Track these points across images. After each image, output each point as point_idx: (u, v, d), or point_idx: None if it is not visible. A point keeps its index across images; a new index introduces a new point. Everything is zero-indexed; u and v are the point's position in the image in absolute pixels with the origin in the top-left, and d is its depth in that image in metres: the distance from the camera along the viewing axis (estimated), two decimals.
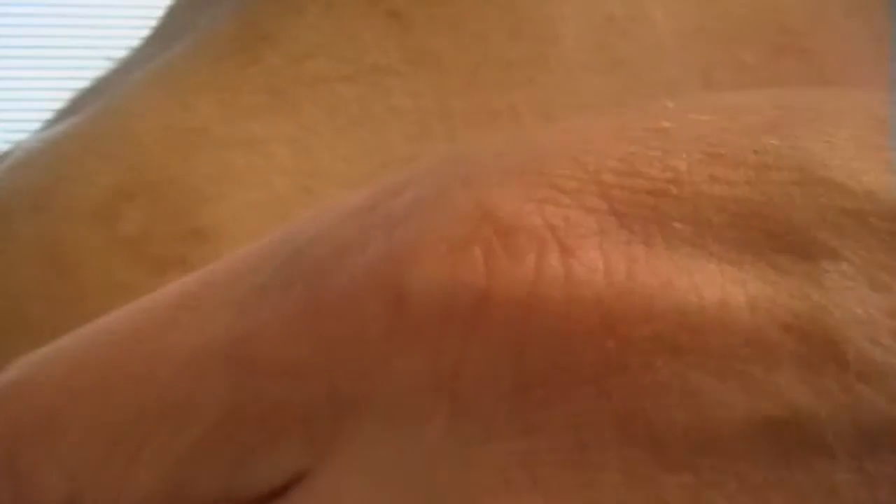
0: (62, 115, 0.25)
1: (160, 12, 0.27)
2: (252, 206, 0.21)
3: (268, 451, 0.15)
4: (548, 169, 0.13)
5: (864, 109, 0.13)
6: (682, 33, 0.23)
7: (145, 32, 0.27)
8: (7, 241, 0.22)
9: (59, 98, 0.27)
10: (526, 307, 0.12)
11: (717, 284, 0.12)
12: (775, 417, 0.11)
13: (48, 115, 0.26)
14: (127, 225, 0.21)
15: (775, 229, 0.12)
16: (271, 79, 0.22)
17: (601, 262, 0.12)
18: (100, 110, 0.23)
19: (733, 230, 0.12)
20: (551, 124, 0.22)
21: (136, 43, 0.27)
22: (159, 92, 0.23)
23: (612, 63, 0.23)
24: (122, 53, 0.26)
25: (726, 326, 0.12)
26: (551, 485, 0.12)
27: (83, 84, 0.27)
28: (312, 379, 0.14)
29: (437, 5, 0.23)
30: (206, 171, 0.21)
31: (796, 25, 0.23)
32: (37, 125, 0.26)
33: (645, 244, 0.12)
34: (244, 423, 0.14)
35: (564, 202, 0.13)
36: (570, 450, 0.12)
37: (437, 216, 0.13)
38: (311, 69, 0.22)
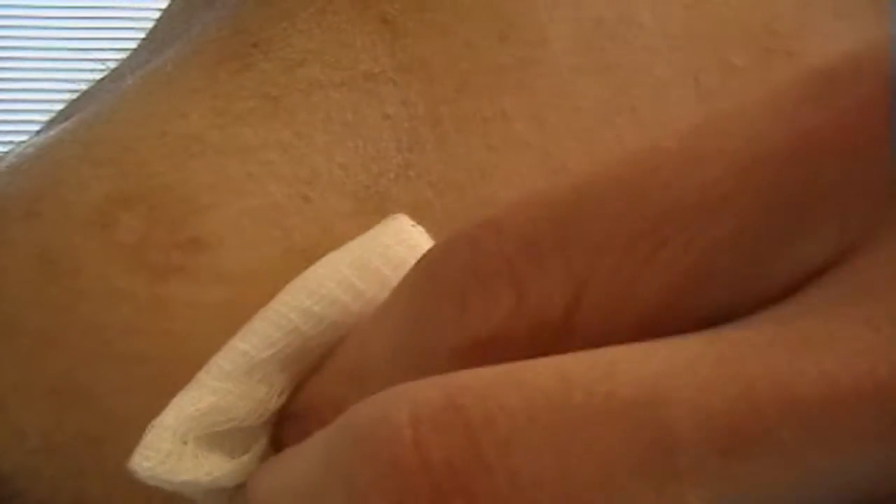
0: (56, 120, 0.25)
1: (154, 18, 0.27)
2: (250, 214, 0.21)
3: (798, 241, 0.14)
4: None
5: None
6: (671, 36, 0.23)
7: (139, 38, 0.27)
8: (1, 246, 0.22)
9: (53, 103, 0.27)
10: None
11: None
12: None
13: (43, 121, 0.26)
14: (125, 232, 0.21)
15: None
16: (264, 85, 0.22)
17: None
18: (93, 116, 0.23)
19: None
20: (543, 128, 0.22)
21: (129, 48, 0.27)
22: (152, 98, 0.23)
23: (602, 66, 0.23)
24: (115, 59, 0.27)
25: None
26: None
27: (77, 89, 0.27)
28: (865, 159, 0.14)
29: (427, 11, 0.23)
30: (203, 178, 0.21)
31: (784, 28, 0.23)
32: (31, 130, 0.26)
33: None
34: (786, 211, 0.14)
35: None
36: None
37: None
38: (304, 76, 0.22)
